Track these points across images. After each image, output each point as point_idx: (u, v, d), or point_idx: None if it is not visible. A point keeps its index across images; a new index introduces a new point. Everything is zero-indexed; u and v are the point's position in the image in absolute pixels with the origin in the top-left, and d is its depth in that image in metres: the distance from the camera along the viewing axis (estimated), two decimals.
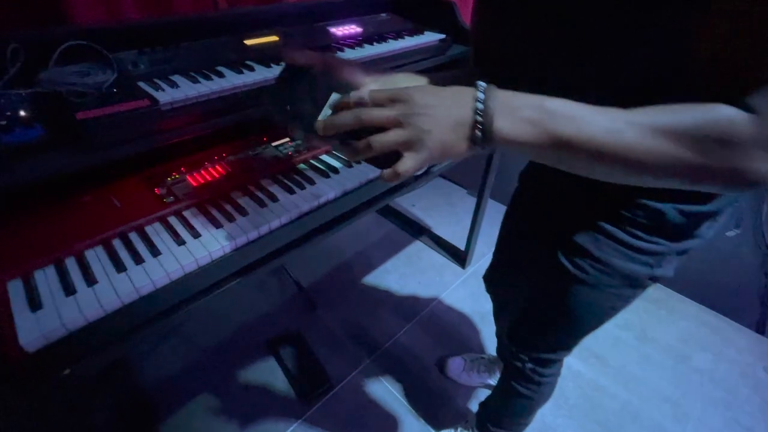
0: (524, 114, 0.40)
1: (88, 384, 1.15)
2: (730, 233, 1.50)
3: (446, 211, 2.23)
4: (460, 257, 1.90)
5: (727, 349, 1.54)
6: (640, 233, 0.58)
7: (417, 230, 2.08)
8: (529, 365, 0.85)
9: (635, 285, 0.65)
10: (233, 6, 1.22)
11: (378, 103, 0.43)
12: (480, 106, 0.40)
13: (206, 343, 1.47)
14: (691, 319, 1.66)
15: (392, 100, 0.42)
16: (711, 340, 1.57)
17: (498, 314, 1.09)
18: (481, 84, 0.42)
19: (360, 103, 0.44)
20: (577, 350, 1.34)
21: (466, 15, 1.38)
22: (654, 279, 0.64)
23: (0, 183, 0.60)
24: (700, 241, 0.60)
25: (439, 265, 1.89)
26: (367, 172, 0.92)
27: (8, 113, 0.65)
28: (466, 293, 1.75)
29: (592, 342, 1.52)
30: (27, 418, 0.57)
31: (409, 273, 1.84)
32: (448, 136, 0.41)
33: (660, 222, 0.56)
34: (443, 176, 2.48)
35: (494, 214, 1.75)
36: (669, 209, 0.55)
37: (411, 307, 1.68)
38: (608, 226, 0.60)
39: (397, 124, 0.41)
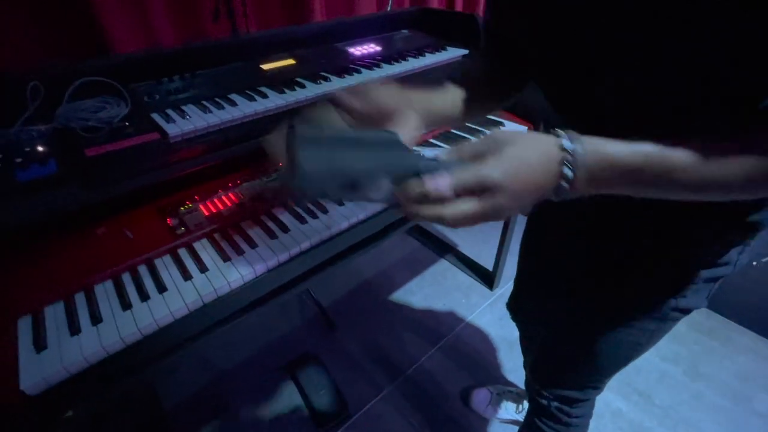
0: (614, 186, 0.38)
1: (102, 408, 1.17)
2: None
3: (474, 229, 2.14)
4: (488, 278, 1.81)
5: None
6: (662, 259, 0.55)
7: (442, 249, 2.01)
8: (555, 404, 0.79)
9: (659, 317, 0.59)
10: (251, 31, 1.23)
11: (461, 194, 0.35)
12: (565, 185, 0.37)
13: (224, 365, 1.46)
14: (750, 353, 1.48)
15: (482, 190, 0.35)
16: None
17: (524, 345, 1.02)
18: (568, 157, 0.37)
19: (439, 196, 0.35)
20: (617, 385, 1.22)
21: None
22: (681, 311, 0.58)
23: (14, 219, 0.61)
24: (730, 268, 0.54)
25: (465, 287, 1.81)
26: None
27: (26, 150, 0.66)
28: (494, 317, 1.65)
29: (635, 376, 1.39)
30: None
31: (434, 294, 1.77)
32: (527, 205, 0.39)
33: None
34: None
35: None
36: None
37: (435, 331, 1.60)
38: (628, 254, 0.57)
39: (484, 218, 0.36)
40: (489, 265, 1.78)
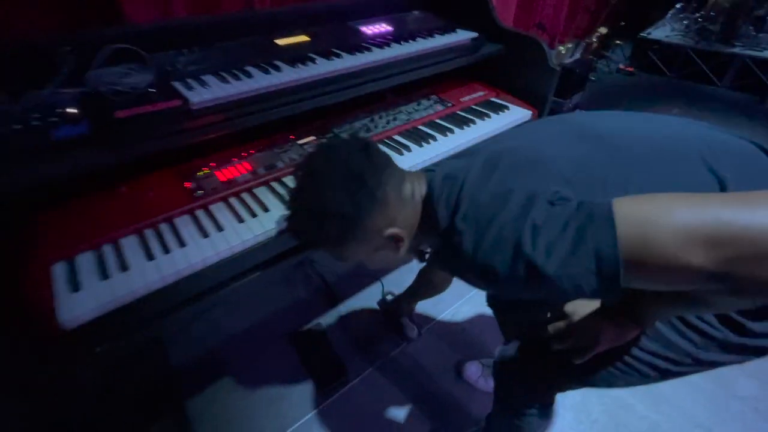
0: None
1: (120, 361, 1.25)
2: None
3: None
4: None
5: None
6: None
7: None
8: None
9: (668, 357, 0.61)
10: (266, 6, 1.26)
11: None
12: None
13: (232, 329, 1.54)
14: None
15: None
16: (757, 365, 1.45)
17: (500, 325, 1.09)
18: None
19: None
20: None
21: (501, 12, 1.34)
22: (697, 362, 0.60)
23: (48, 174, 0.67)
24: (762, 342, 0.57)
25: None
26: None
27: (58, 111, 0.71)
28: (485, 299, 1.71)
29: None
30: (62, 391, 0.63)
31: None
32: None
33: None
34: None
35: None
36: None
37: (433, 307, 1.67)
38: None
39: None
40: None
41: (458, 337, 1.56)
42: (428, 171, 0.65)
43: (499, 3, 2.09)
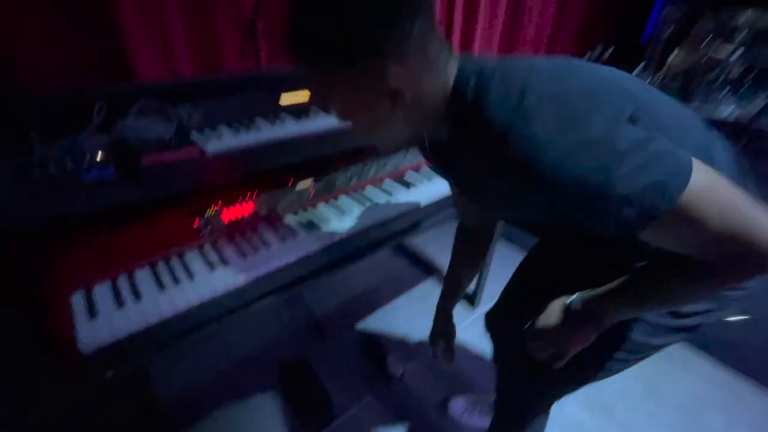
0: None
1: (112, 389, 1.26)
2: (734, 318, 1.50)
3: None
4: (470, 297, 1.94)
5: (743, 411, 1.49)
6: None
7: (428, 269, 2.15)
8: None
9: (629, 349, 0.71)
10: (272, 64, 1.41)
11: None
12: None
13: (219, 364, 1.55)
14: (706, 377, 1.62)
15: None
16: (725, 400, 1.53)
17: (495, 356, 1.13)
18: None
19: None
20: (584, 398, 1.35)
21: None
22: (654, 347, 0.72)
23: (75, 213, 0.75)
24: (704, 318, 0.68)
25: None
26: (380, 213, 1.04)
27: (90, 156, 0.81)
28: (475, 333, 1.78)
29: (598, 391, 1.51)
30: (63, 413, 0.67)
31: (419, 310, 1.89)
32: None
33: None
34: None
35: (506, 254, 1.81)
36: None
37: (419, 344, 1.72)
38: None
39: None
40: (471, 286, 1.91)
41: (443, 373, 1.60)
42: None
43: (481, 47, 2.34)
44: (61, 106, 0.85)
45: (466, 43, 2.20)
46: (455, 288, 1.04)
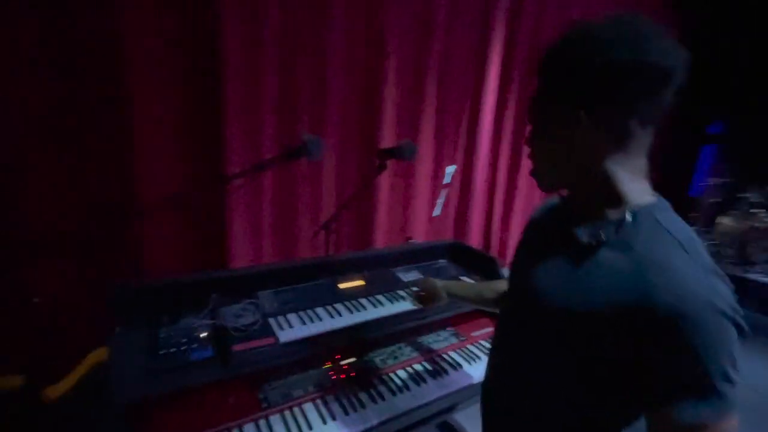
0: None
1: None
2: None
3: None
4: None
5: None
6: None
7: None
8: None
9: None
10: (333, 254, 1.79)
11: None
12: None
13: None
14: None
15: None
16: None
17: None
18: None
19: None
20: None
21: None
22: None
23: (179, 386, 0.99)
24: None
25: None
26: (424, 394, 1.18)
27: (196, 337, 1.09)
28: None
29: None
30: None
31: None
32: None
33: None
34: None
35: None
36: None
37: None
38: None
39: None
40: None
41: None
42: None
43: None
44: (185, 291, 1.19)
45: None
46: (478, 293, 1.18)
